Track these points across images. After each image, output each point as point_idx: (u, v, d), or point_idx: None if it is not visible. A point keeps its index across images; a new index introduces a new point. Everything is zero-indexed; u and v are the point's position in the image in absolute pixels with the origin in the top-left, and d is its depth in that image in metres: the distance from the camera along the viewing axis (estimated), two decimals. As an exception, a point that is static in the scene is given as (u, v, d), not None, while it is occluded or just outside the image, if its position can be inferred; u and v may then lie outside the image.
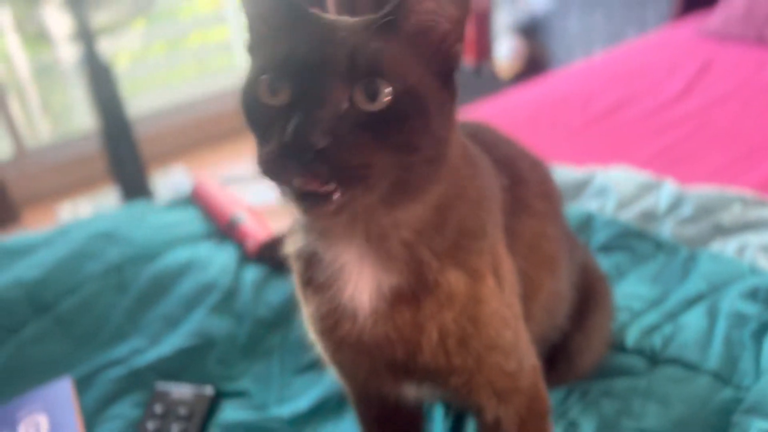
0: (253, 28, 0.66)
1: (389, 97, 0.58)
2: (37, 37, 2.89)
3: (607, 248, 1.26)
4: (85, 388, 1.07)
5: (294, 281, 0.79)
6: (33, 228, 2.07)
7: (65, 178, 3.05)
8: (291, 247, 0.76)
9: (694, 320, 1.06)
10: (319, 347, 0.78)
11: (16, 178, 2.93)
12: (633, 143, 1.68)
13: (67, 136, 3.15)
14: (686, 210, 1.27)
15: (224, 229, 1.39)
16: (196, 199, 1.51)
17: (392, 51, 0.60)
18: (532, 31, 3.00)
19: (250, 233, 1.32)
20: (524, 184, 0.84)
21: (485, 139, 0.83)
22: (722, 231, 1.22)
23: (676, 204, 1.29)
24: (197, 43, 3.50)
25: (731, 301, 1.06)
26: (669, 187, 1.33)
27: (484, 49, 3.08)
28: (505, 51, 3.00)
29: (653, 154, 1.59)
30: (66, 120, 3.21)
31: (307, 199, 0.57)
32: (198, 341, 1.13)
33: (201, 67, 3.53)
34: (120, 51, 3.21)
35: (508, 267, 0.76)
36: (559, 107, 1.98)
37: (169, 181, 2.84)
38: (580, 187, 1.44)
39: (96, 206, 2.78)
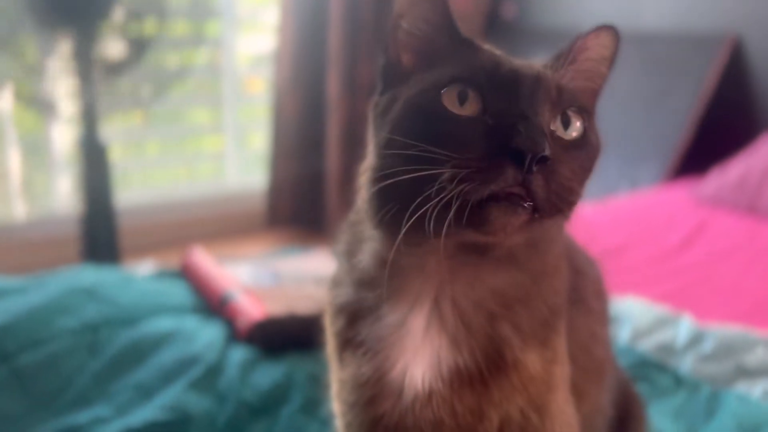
0: (419, 41, 0.62)
1: (578, 132, 0.57)
2: (35, 113, 2.86)
3: (622, 378, 1.19)
4: (32, 454, 0.92)
5: (327, 339, 0.70)
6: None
7: (32, 259, 2.90)
8: (332, 300, 0.68)
9: (726, 461, 0.96)
10: (342, 422, 0.67)
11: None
12: (640, 286, 1.65)
13: (41, 217, 3.04)
14: (707, 347, 1.21)
15: (215, 306, 1.28)
16: (186, 273, 1.41)
17: (579, 89, 0.61)
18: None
19: (242, 311, 1.22)
20: (583, 277, 0.77)
21: None
22: (746, 373, 1.15)
23: (695, 340, 1.23)
24: (191, 149, 3.51)
25: (767, 445, 0.98)
26: (688, 322, 1.28)
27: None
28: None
29: (662, 296, 1.56)
30: (45, 201, 3.11)
31: (503, 202, 0.51)
32: (172, 416, 0.99)
33: (191, 173, 3.52)
34: (114, 143, 3.20)
35: (566, 357, 0.69)
36: (558, 245, 1.96)
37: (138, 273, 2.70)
38: (589, 316, 1.38)
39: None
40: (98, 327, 1.14)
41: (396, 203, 0.54)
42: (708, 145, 2.50)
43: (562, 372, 0.65)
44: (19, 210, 3.04)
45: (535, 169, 0.50)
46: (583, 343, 0.74)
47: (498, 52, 0.62)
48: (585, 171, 0.57)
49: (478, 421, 0.60)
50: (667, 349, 1.23)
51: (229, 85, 3.28)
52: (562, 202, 0.53)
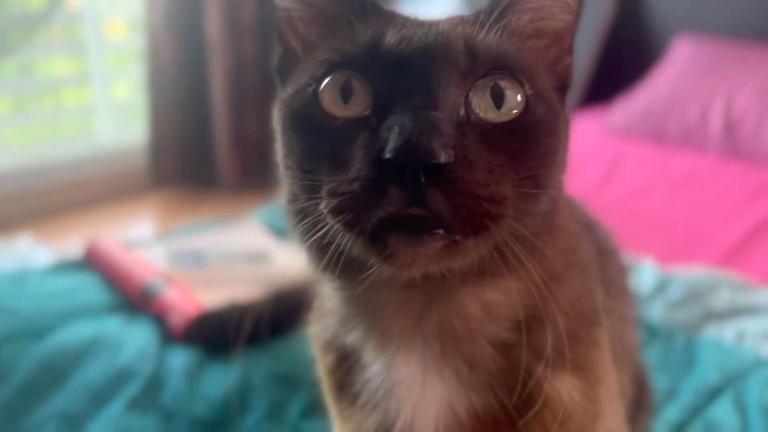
0: (296, 36, 0.49)
1: (518, 108, 0.42)
2: None
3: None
4: None
5: (320, 376, 0.56)
6: None
7: None
8: (318, 333, 0.55)
9: (723, 416, 0.93)
10: None
11: None
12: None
13: None
14: (674, 293, 1.18)
15: (136, 301, 1.09)
16: (93, 263, 1.20)
17: (513, 48, 0.45)
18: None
19: (173, 307, 1.04)
20: (607, 256, 0.67)
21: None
22: (714, 316, 1.13)
23: (661, 287, 1.19)
24: (52, 105, 3.10)
25: (759, 394, 0.95)
26: (650, 268, 1.24)
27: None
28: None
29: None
30: None
31: (401, 230, 0.38)
32: (114, 450, 0.82)
33: (55, 131, 3.12)
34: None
35: (611, 367, 0.58)
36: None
37: (14, 251, 2.38)
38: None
39: None
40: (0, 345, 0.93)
41: (307, 237, 0.43)
42: (609, 75, 2.50)
43: (609, 389, 0.54)
44: None
45: (425, 183, 0.37)
46: (618, 330, 0.65)
47: (399, 16, 0.47)
48: (534, 158, 0.42)
49: None
50: (634, 298, 1.19)
51: (92, 30, 2.89)
52: (481, 217, 0.39)
